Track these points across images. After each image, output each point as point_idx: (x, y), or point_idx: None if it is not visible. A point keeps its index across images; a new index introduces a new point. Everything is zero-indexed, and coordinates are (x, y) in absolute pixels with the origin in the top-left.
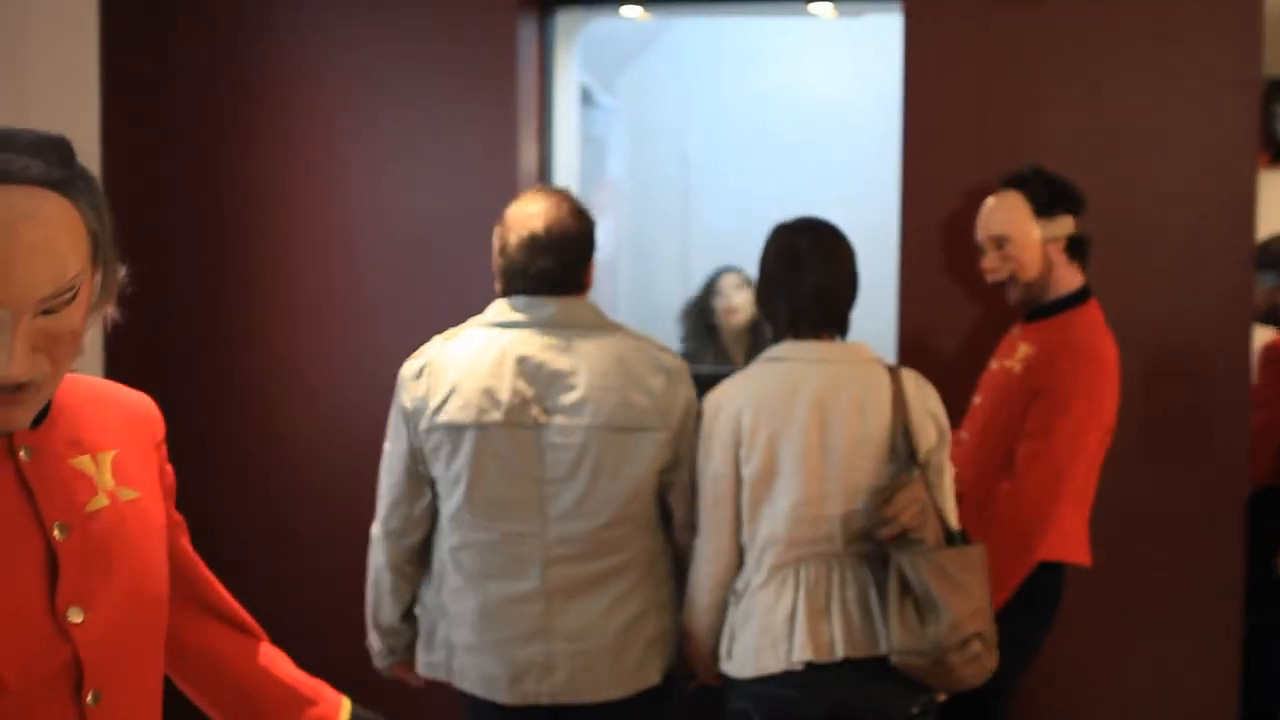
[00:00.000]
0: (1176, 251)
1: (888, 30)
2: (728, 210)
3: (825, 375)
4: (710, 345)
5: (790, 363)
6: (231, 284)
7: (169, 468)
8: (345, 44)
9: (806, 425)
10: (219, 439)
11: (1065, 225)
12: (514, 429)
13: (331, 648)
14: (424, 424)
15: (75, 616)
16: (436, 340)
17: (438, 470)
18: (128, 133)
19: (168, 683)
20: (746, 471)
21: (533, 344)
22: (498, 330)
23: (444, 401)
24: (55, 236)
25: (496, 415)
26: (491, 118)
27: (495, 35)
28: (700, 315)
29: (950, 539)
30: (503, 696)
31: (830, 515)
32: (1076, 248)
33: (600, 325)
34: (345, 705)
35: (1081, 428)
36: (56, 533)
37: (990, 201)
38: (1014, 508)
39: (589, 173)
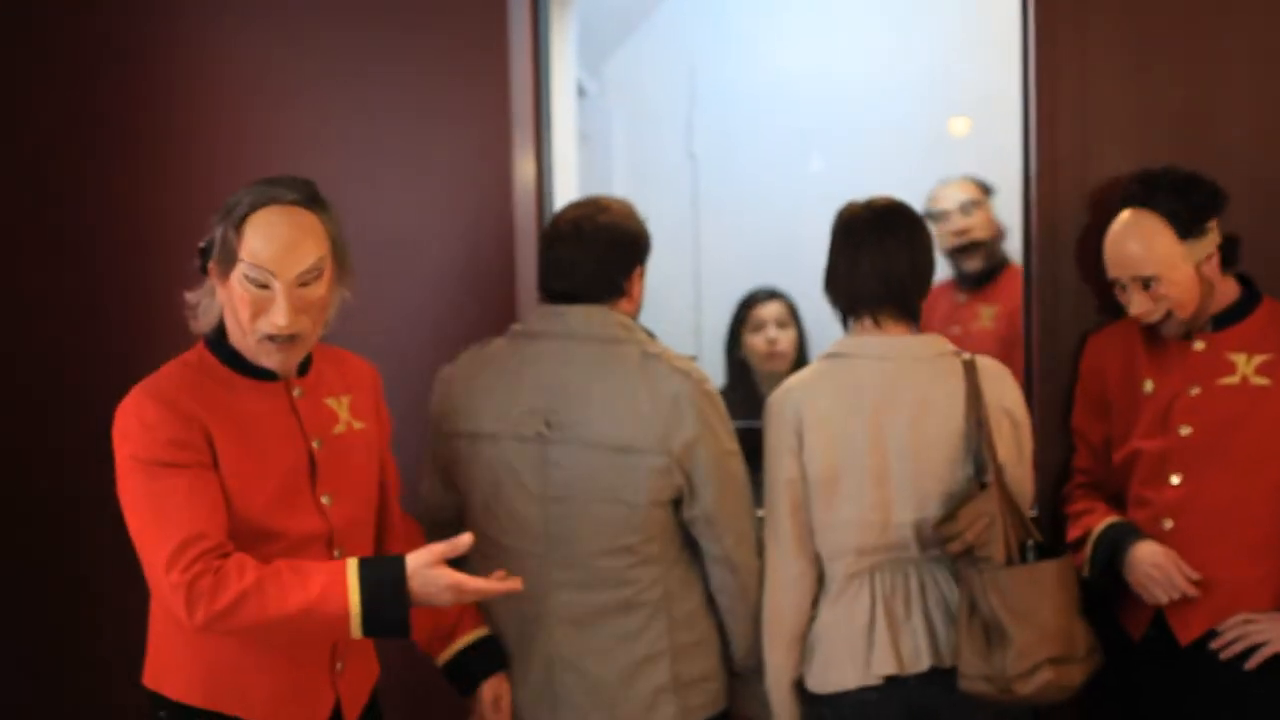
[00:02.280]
0: None
1: None
2: (744, 218)
3: (888, 373)
4: (740, 389)
5: (851, 359)
6: (150, 308)
7: (385, 411)
8: (290, 28)
9: (866, 428)
10: None
11: (1214, 236)
12: (518, 442)
13: None
14: (446, 429)
15: (326, 500)
16: (472, 348)
17: (459, 477)
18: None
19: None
20: (809, 474)
21: (547, 355)
22: (521, 339)
23: (462, 409)
24: (306, 235)
25: (503, 427)
26: (480, 115)
27: (482, 13)
28: (728, 349)
29: (1025, 553)
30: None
31: (901, 522)
32: (1230, 254)
33: (620, 338)
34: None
35: None
36: (315, 445)
37: (1119, 228)
38: None
39: (583, 176)
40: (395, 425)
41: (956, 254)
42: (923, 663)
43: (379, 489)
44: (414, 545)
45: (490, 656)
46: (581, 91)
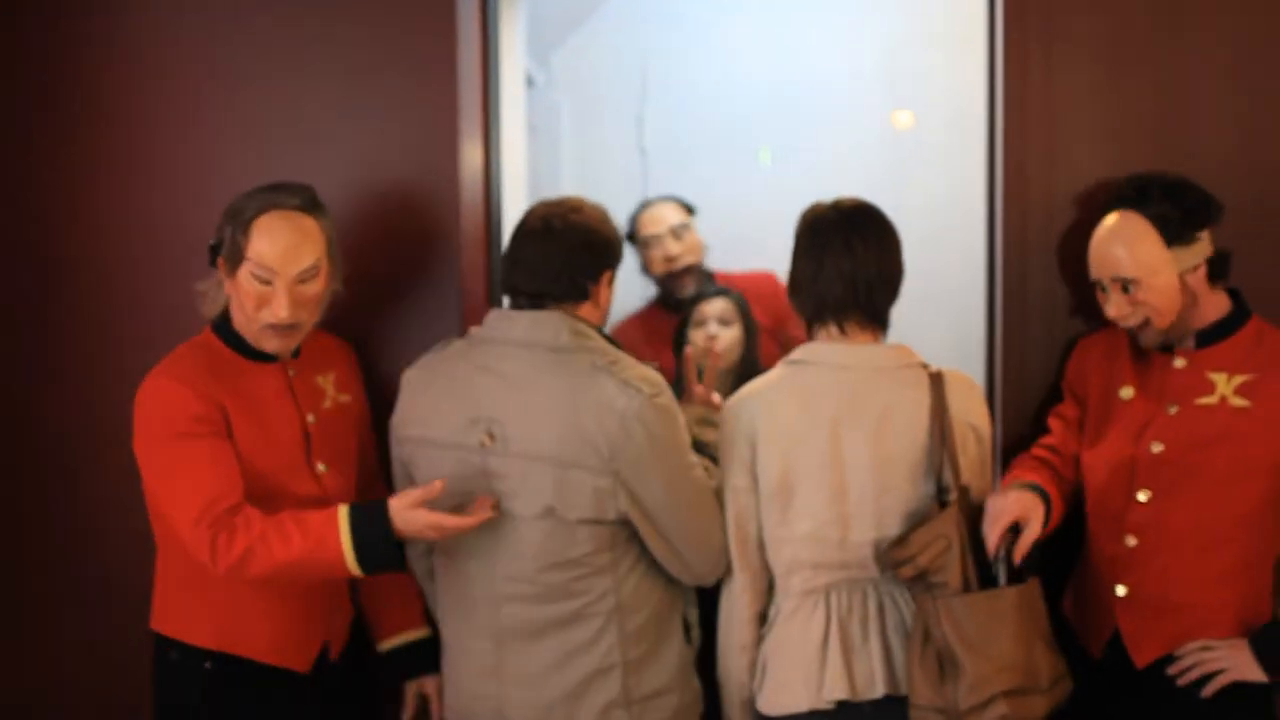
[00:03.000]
0: None
1: None
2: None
3: (849, 383)
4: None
5: (811, 367)
6: (68, 306)
7: (361, 386)
8: (236, 17)
9: (825, 440)
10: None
11: (1203, 247)
12: (460, 451)
13: None
14: (401, 434)
15: (322, 468)
16: (435, 348)
17: (418, 481)
18: None
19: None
20: (762, 485)
21: (495, 362)
22: (475, 344)
23: (416, 414)
24: (305, 238)
25: (450, 435)
26: (427, 104)
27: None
28: (676, 347)
29: (985, 578)
30: None
31: (860, 540)
32: (1219, 268)
33: (569, 347)
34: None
35: None
36: (309, 418)
37: (1106, 228)
38: None
39: (531, 168)
40: None
41: (670, 279)
42: (877, 689)
43: (362, 459)
44: None
45: (417, 660)
46: (529, 82)
